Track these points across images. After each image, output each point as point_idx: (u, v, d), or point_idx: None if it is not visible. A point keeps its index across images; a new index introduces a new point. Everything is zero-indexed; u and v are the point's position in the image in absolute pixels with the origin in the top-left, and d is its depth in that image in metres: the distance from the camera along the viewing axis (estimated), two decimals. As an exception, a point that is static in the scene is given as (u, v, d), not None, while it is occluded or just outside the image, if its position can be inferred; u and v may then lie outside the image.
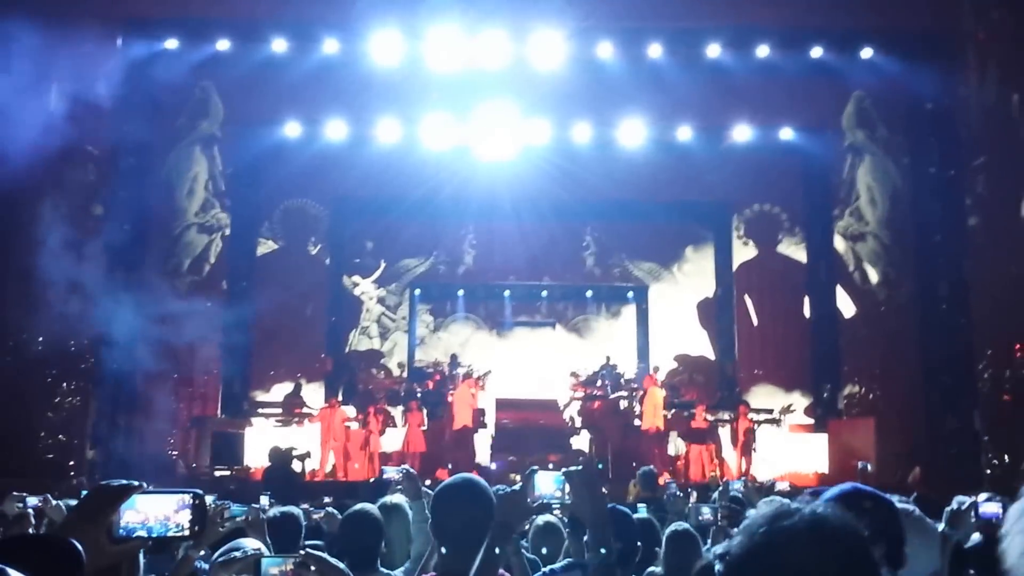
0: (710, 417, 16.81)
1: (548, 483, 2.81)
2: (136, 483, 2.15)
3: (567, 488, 2.74)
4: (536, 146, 18.30)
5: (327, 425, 16.45)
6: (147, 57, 16.40)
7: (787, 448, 16.86)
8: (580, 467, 2.77)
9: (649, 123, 18.11)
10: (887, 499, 2.54)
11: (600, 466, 3.17)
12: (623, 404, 17.58)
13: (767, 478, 13.30)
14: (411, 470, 4.97)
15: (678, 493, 7.18)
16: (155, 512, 2.17)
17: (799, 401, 18.85)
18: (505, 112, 17.37)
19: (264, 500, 7.38)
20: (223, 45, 16.89)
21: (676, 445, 16.96)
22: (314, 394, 18.69)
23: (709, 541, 4.89)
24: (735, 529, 1.56)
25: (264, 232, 19.52)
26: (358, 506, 4.44)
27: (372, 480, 13.30)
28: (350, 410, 17.11)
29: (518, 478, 12.68)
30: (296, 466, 13.70)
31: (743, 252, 20.23)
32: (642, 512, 6.52)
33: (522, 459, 15.82)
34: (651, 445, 15.98)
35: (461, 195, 18.90)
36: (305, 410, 17.80)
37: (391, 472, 5.40)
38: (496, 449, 16.81)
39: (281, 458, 12.44)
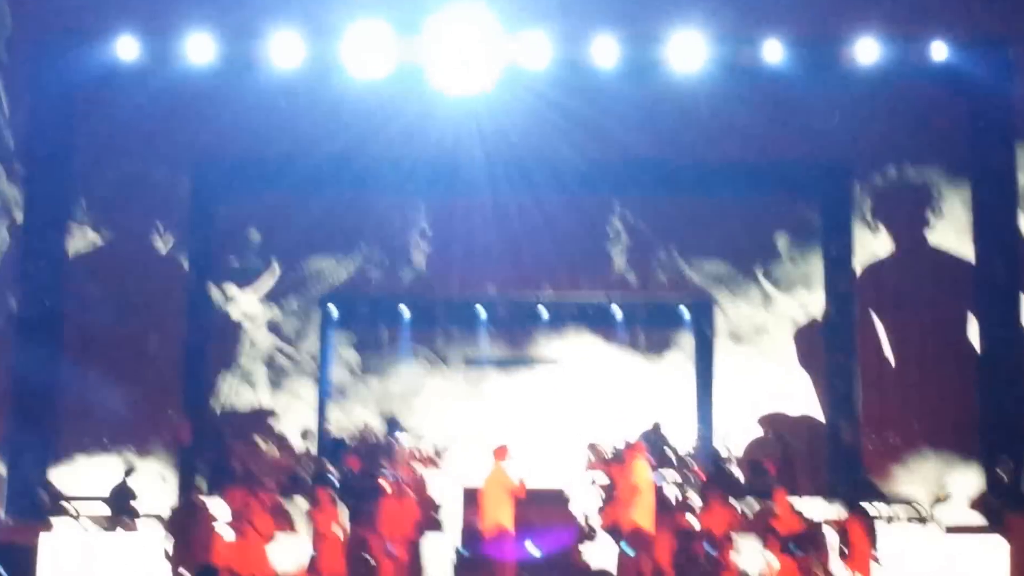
0: (808, 514, 17.08)
1: None
2: None
3: None
4: (527, 72, 18.53)
5: (183, 530, 16.74)
6: None
7: (940, 560, 17.13)
8: None
9: (714, 36, 18.53)
10: None
11: None
12: (677, 497, 18.00)
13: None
14: None
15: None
16: None
17: (961, 485, 19.33)
18: (477, 20, 17.82)
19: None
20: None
21: (763, 558, 17.40)
22: (158, 482, 19.09)
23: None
24: None
25: (79, 216, 19.78)
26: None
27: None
28: (220, 507, 17.38)
29: None
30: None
31: (871, 245, 20.74)
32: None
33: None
34: (630, 561, 16.39)
35: (407, 154, 19.32)
36: (145, 508, 18.13)
37: None
38: (462, 572, 17.17)
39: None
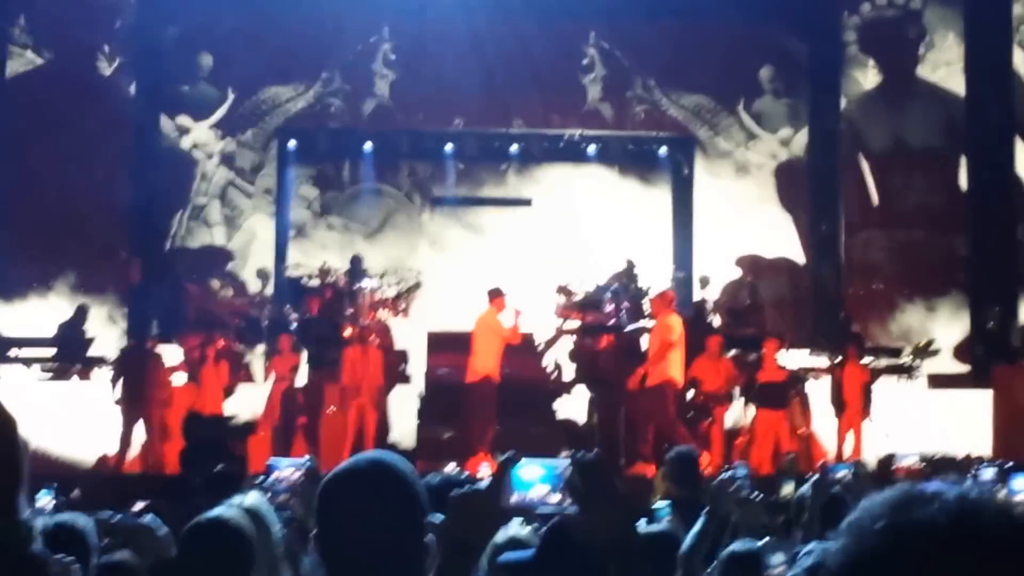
0: (790, 364, 16.96)
1: (536, 479, 2.81)
2: None
3: (567, 490, 2.73)
4: None
5: (132, 377, 16.52)
6: None
7: (924, 414, 17.11)
8: (593, 456, 2.76)
9: None
10: None
11: (590, 457, 3.08)
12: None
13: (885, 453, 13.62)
14: (316, 465, 5.02)
15: (751, 493, 7.19)
16: None
17: (946, 334, 19.22)
18: None
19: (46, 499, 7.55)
20: None
21: (737, 410, 17.22)
22: (108, 324, 18.77)
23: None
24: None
25: (16, 37, 19.39)
26: (210, 515, 4.46)
27: (217, 470, 13.53)
28: (173, 352, 17.15)
29: (452, 467, 12.79)
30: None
31: (859, 78, 20.42)
32: (663, 515, 6.64)
33: (463, 437, 16.03)
34: (661, 409, 16.16)
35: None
36: (94, 353, 17.82)
37: (285, 468, 5.46)
38: (427, 419, 16.92)
39: (209, 432, 13.29)
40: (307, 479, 5.04)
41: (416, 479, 3.00)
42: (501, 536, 5.00)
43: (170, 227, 20.65)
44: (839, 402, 16.61)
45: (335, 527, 2.91)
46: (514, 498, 2.82)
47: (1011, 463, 9.77)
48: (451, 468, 12.61)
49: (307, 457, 6.80)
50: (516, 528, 4.99)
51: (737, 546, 4.86)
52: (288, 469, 6.06)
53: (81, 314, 18.39)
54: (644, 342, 17.67)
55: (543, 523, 4.24)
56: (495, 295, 16.35)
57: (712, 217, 21.00)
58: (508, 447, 3.41)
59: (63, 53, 19.64)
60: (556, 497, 2.80)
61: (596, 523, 2.68)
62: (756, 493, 7.26)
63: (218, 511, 4.48)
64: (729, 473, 5.78)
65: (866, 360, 17.36)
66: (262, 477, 7.55)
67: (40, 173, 18.91)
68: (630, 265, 18.98)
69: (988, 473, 7.71)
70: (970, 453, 16.35)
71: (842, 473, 7.88)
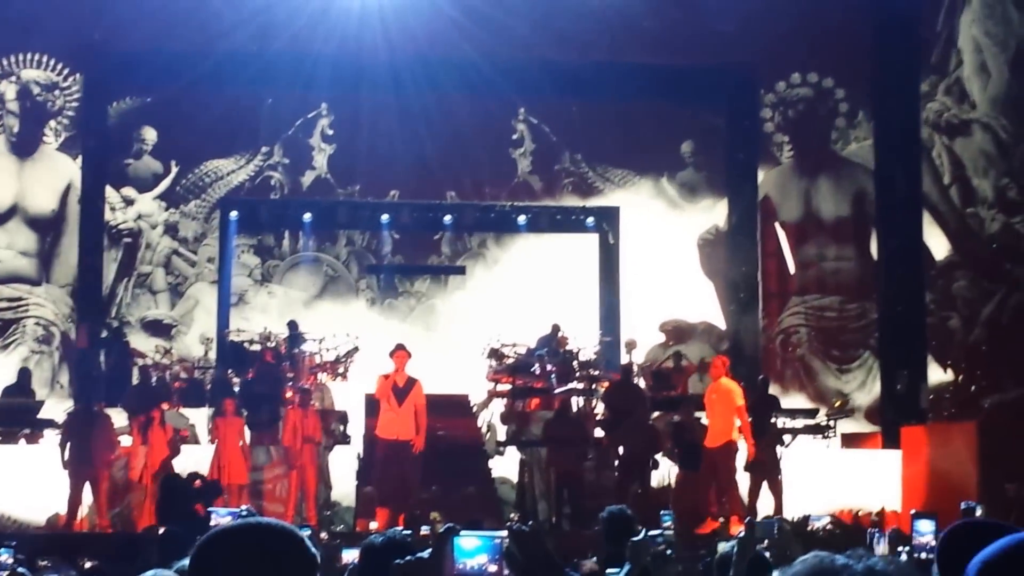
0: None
1: (474, 548, 2.79)
2: None
3: (506, 559, 2.72)
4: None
5: (79, 441, 16.32)
6: None
7: (837, 472, 17.18)
8: (527, 528, 2.75)
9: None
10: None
11: (525, 528, 3.12)
12: (577, 403, 17.74)
13: (800, 514, 13.56)
14: (253, 513, 4.98)
15: (667, 551, 7.24)
16: None
17: (859, 396, 19.48)
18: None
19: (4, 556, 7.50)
20: None
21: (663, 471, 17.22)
22: (54, 388, 18.74)
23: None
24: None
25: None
26: (148, 574, 4.43)
27: (162, 532, 13.42)
28: (118, 416, 16.98)
29: (373, 526, 12.68)
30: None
31: (775, 152, 20.72)
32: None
33: (396, 500, 15.94)
34: (726, 469, 16.08)
35: (308, 50, 18.91)
36: (43, 415, 17.58)
37: (223, 516, 5.41)
38: (365, 479, 16.85)
39: (179, 490, 13.59)
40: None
41: (301, 541, 2.74)
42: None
43: (116, 295, 20.54)
44: (751, 463, 16.54)
45: None
46: (456, 567, 2.82)
47: (912, 511, 9.88)
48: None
49: (244, 507, 6.73)
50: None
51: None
52: (227, 518, 6.01)
53: (24, 377, 18.20)
54: (574, 403, 17.74)
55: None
56: (393, 352, 16.16)
57: (637, 283, 21.09)
58: (443, 506, 3.41)
59: (9, 128, 19.71)
60: (494, 567, 2.80)
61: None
62: (672, 553, 7.36)
63: (154, 571, 4.44)
64: (649, 533, 5.79)
65: (779, 421, 17.40)
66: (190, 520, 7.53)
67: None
68: (557, 330, 19.03)
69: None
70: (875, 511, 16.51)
71: (765, 531, 7.92)
